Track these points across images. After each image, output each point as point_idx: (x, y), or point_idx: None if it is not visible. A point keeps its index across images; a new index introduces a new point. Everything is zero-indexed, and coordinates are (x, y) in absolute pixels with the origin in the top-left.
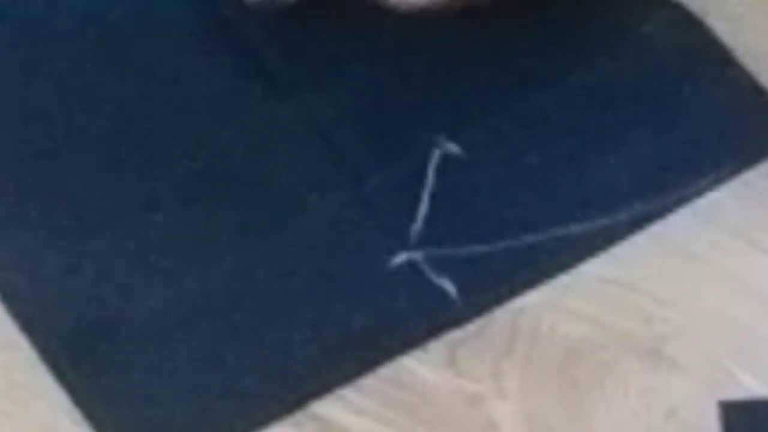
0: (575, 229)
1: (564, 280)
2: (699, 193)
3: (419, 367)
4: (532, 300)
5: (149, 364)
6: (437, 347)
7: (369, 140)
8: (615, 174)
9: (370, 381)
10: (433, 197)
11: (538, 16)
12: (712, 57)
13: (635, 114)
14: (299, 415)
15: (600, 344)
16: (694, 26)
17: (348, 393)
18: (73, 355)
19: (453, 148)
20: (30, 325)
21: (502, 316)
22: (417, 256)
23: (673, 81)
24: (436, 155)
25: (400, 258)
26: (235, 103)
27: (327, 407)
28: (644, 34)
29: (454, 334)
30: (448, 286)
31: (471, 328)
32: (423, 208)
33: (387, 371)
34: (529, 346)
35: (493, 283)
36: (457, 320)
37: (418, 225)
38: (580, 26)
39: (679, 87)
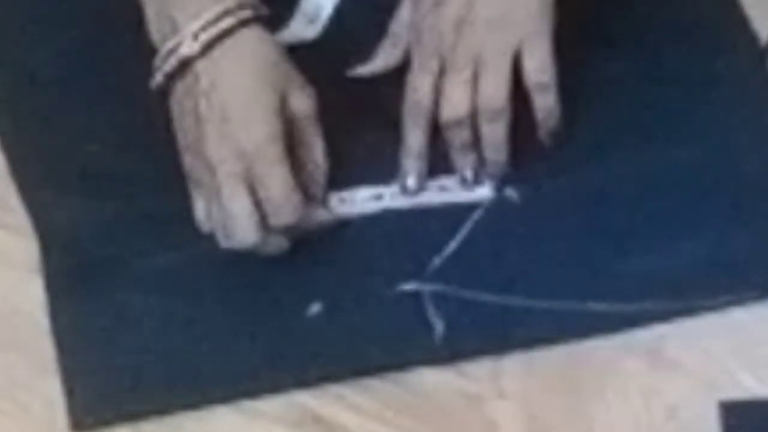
0: (590, 307)
1: None
2: None
3: (420, 368)
4: None
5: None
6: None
7: None
8: (650, 267)
9: (370, 381)
10: (467, 238)
11: None
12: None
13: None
14: (299, 415)
15: (600, 344)
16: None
17: (348, 393)
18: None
19: (512, 193)
20: None
21: None
22: (425, 288)
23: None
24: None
25: (409, 286)
26: None
27: (327, 407)
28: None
29: None
30: (438, 324)
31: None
32: (452, 245)
33: (388, 371)
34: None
35: (478, 334)
36: (434, 358)
37: (439, 259)
38: None
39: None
